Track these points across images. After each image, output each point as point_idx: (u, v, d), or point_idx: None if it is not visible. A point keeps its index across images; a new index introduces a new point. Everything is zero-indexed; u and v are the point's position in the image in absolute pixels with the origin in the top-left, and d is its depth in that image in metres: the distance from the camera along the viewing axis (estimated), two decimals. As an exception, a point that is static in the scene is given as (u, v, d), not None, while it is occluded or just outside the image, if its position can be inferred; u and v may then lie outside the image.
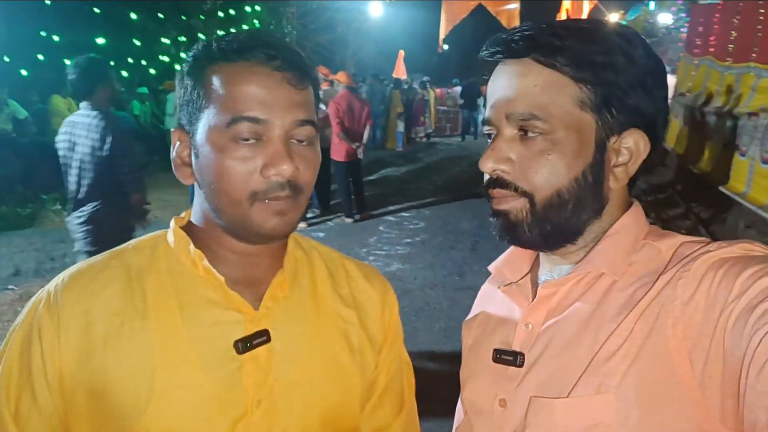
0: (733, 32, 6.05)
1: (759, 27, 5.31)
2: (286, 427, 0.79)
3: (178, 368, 0.75)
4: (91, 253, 2.49)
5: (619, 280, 0.71)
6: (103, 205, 3.29)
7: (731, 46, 6.05)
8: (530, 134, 0.71)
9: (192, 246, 0.80)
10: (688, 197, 6.79)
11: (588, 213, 0.73)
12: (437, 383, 3.40)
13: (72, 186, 3.34)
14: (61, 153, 3.36)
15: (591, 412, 0.66)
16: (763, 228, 4.82)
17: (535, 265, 0.84)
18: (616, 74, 0.69)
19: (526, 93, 0.70)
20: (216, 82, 0.75)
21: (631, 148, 0.72)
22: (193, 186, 0.83)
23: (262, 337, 0.79)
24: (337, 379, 0.85)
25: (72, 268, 0.81)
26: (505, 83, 0.73)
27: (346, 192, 7.02)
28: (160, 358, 0.75)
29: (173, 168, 0.82)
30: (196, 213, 0.84)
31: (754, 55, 5.41)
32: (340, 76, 7.15)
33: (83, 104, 3.29)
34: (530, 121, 0.70)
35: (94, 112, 3.23)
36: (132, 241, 0.85)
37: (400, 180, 9.97)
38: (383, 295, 0.95)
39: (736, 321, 0.58)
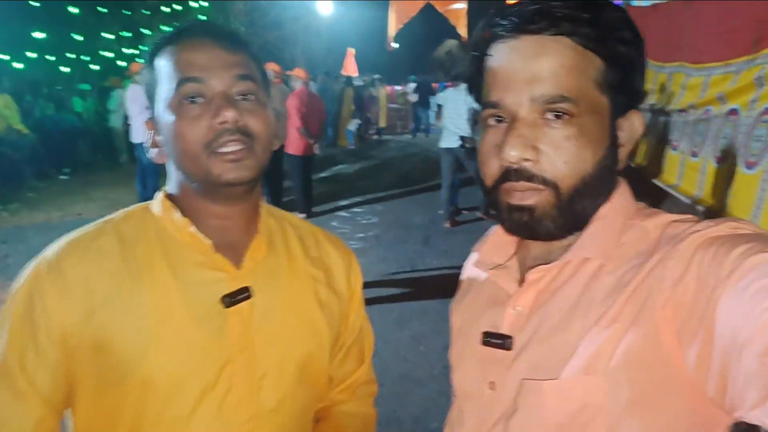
0: (664, 33, 6.39)
1: (687, 29, 5.64)
2: (266, 372, 0.89)
3: (172, 321, 0.84)
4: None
5: (608, 262, 0.69)
6: None
7: (663, 46, 6.39)
8: (557, 118, 0.66)
9: (178, 214, 0.88)
10: (626, 190, 7.14)
11: (603, 197, 0.72)
12: (392, 370, 3.51)
13: None
14: None
15: (580, 394, 0.65)
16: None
17: (520, 245, 0.82)
18: (630, 51, 0.67)
19: (553, 73, 0.66)
20: (164, 61, 0.85)
21: (628, 129, 0.71)
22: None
23: (244, 293, 0.88)
24: (309, 330, 0.96)
25: (67, 236, 0.88)
26: (526, 63, 0.67)
27: (301, 186, 7.04)
28: (156, 313, 0.84)
29: (152, 156, 0.91)
30: (171, 187, 0.93)
31: (683, 54, 5.73)
32: (299, 72, 7.15)
33: None
34: (560, 104, 0.66)
35: None
36: (120, 212, 0.93)
37: (352, 176, 10.04)
38: (348, 260, 1.06)
39: (728, 300, 0.56)
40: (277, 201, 7.36)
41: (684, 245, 0.64)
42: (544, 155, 0.67)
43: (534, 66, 0.67)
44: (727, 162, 4.12)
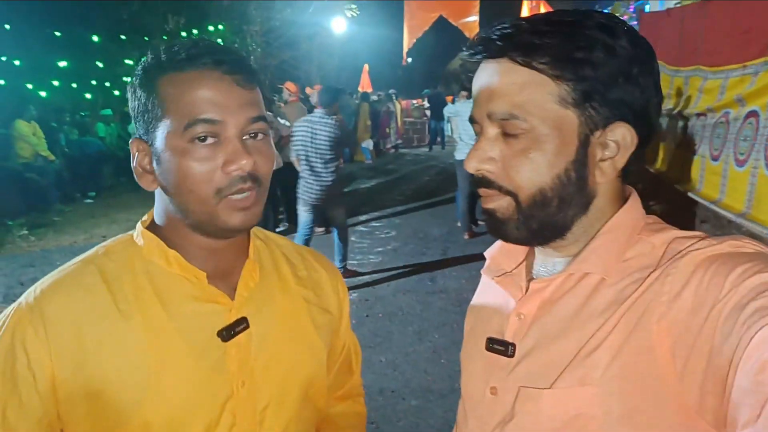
0: (679, 38, 6.34)
1: (702, 32, 5.60)
2: (269, 402, 0.87)
3: (169, 359, 0.80)
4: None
5: (609, 277, 0.71)
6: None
7: (679, 51, 6.34)
8: (511, 133, 0.70)
9: (166, 247, 0.84)
10: (647, 196, 7.06)
11: (574, 209, 0.72)
12: (412, 384, 3.49)
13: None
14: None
15: (575, 403, 0.67)
16: (716, 222, 5.05)
17: (530, 254, 0.84)
18: (596, 69, 0.67)
19: (505, 92, 0.69)
20: (169, 91, 0.78)
21: (618, 141, 0.70)
22: None
23: (242, 324, 0.85)
24: (308, 352, 0.95)
25: (46, 280, 0.82)
26: (485, 82, 0.72)
27: None
28: (152, 352, 0.80)
29: (136, 177, 0.84)
30: (159, 215, 0.88)
31: (699, 58, 5.68)
32: (318, 89, 7.26)
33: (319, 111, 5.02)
34: (510, 121, 0.69)
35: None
36: (99, 247, 0.88)
37: (370, 191, 10.08)
38: (335, 277, 1.06)
39: (725, 320, 0.57)
40: (296, 218, 7.42)
41: (684, 262, 0.65)
42: (501, 167, 0.72)
43: (490, 86, 0.71)
44: (748, 165, 4.06)
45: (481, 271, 0.93)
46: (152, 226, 0.89)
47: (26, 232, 7.18)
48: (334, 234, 5.41)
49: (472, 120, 0.76)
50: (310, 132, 4.98)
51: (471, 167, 0.73)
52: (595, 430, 0.66)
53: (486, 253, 0.89)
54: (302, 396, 0.92)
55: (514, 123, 0.69)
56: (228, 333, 0.84)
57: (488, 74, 0.72)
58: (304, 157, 5.02)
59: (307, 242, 5.16)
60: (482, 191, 0.75)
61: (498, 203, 0.73)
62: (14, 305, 0.80)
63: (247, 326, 0.86)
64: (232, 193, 0.79)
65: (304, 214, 5.19)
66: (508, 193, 0.72)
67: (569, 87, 0.68)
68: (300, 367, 0.93)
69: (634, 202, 0.76)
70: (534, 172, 0.70)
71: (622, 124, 0.70)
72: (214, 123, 0.77)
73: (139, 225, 0.89)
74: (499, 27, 0.71)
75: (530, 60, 0.68)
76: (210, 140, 0.78)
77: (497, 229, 0.75)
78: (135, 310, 0.81)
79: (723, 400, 0.57)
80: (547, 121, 0.69)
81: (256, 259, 0.93)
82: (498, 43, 0.70)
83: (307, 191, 5.10)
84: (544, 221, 0.72)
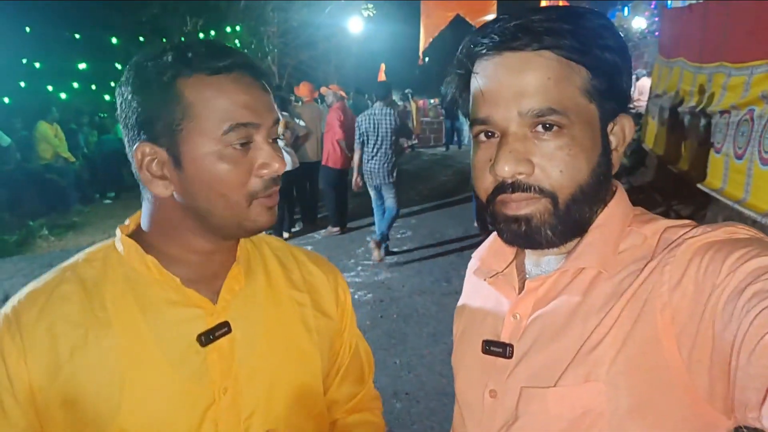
0: (702, 33, 6.21)
1: (726, 27, 5.47)
2: (254, 410, 0.84)
3: (146, 368, 0.79)
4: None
5: (606, 270, 0.70)
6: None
7: (701, 47, 6.21)
8: (547, 130, 0.67)
9: (143, 253, 0.82)
10: (668, 196, 6.92)
11: (599, 204, 0.72)
12: (428, 386, 3.45)
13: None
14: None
15: (581, 400, 0.66)
16: (740, 222, 4.94)
17: (519, 252, 0.83)
18: (614, 57, 0.68)
19: (540, 87, 0.66)
20: (199, 94, 0.75)
21: (619, 133, 0.72)
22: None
23: (223, 329, 0.83)
24: (298, 360, 0.91)
25: (25, 290, 0.82)
26: (512, 79, 0.67)
27: (336, 201, 7.05)
28: (128, 361, 0.78)
29: (144, 182, 0.80)
30: (147, 219, 0.85)
31: (723, 54, 5.56)
32: (335, 88, 7.27)
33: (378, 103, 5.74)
34: (549, 117, 0.66)
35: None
36: (80, 254, 0.87)
37: (386, 191, 10.04)
38: (334, 277, 1.02)
39: (725, 304, 0.58)
40: (311, 219, 7.43)
41: (681, 250, 0.64)
42: (539, 167, 0.68)
43: (520, 81, 0.67)
44: (773, 163, 3.94)
45: (472, 273, 0.91)
46: (136, 232, 0.87)
47: (46, 232, 7.29)
48: (387, 212, 5.89)
49: (481, 121, 0.70)
50: (373, 123, 5.70)
51: (507, 172, 0.67)
52: (604, 426, 0.65)
53: (474, 255, 0.88)
54: (292, 403, 0.89)
55: (553, 118, 0.66)
56: (207, 337, 0.82)
57: (512, 70, 0.67)
58: (369, 145, 5.74)
59: (382, 216, 5.90)
60: (515, 196, 0.69)
61: (534, 207, 0.69)
62: None
63: (229, 330, 0.84)
64: (265, 195, 0.80)
65: (373, 194, 5.98)
66: (548, 194, 0.68)
67: (593, 78, 0.68)
68: (289, 374, 0.89)
69: (622, 194, 0.76)
70: (575, 168, 0.67)
71: (624, 115, 0.72)
72: (252, 126, 0.78)
73: (118, 231, 0.87)
74: (511, 19, 0.67)
75: (561, 48, 0.66)
76: (245, 144, 0.78)
77: (530, 236, 0.70)
78: (113, 317, 0.80)
79: (729, 384, 0.57)
80: (579, 115, 0.68)
81: (243, 262, 0.90)
82: (522, 35, 0.66)
83: (370, 174, 5.81)
84: (577, 221, 0.70)
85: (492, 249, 0.84)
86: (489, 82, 0.69)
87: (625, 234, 0.72)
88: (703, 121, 5.93)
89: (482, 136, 0.72)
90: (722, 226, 0.65)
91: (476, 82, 0.71)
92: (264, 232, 0.96)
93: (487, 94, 0.69)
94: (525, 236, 0.70)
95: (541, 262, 0.77)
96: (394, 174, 5.88)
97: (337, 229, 7.08)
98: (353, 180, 6.14)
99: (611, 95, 0.69)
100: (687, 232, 0.66)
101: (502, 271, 0.82)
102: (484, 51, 0.69)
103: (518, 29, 0.66)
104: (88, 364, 0.77)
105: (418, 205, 8.46)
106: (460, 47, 0.74)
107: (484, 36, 0.69)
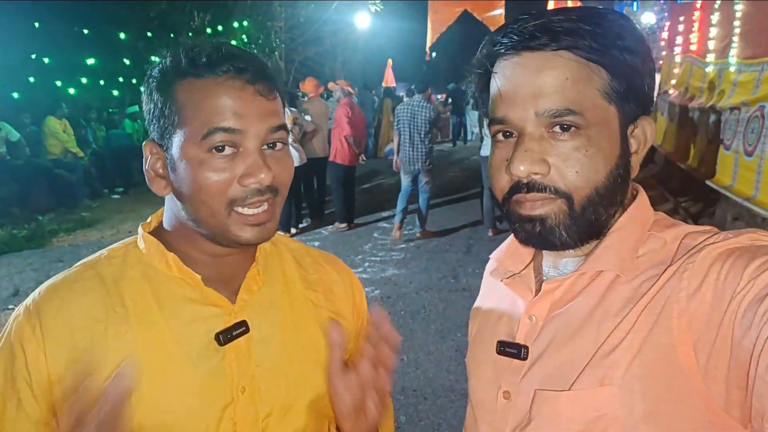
0: (712, 29, 6.16)
1: (736, 23, 5.42)
2: (271, 409, 0.84)
3: (164, 365, 0.79)
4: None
5: (624, 274, 0.69)
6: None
7: (711, 42, 6.16)
8: (562, 131, 0.67)
9: (164, 249, 0.83)
10: (677, 192, 6.88)
11: (616, 206, 0.72)
12: (435, 383, 3.46)
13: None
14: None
15: (596, 404, 0.65)
16: (749, 219, 4.90)
17: (537, 254, 0.82)
18: (634, 60, 0.67)
19: (558, 87, 0.66)
20: (188, 97, 0.76)
21: (639, 135, 0.71)
22: None
23: (240, 328, 0.83)
24: (314, 360, 0.90)
25: (47, 283, 0.83)
26: (529, 78, 0.67)
27: (343, 197, 7.07)
28: (146, 357, 0.78)
29: (147, 180, 0.83)
30: (168, 218, 0.87)
31: (733, 50, 5.51)
32: (342, 83, 7.28)
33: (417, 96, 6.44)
34: (566, 117, 0.66)
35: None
36: (102, 251, 0.87)
37: (393, 187, 10.02)
38: (349, 278, 1.02)
39: (744, 312, 0.57)
40: (318, 215, 7.44)
41: (701, 256, 0.63)
42: (554, 168, 0.67)
43: (538, 81, 0.67)
44: (784, 160, 3.91)
45: (489, 274, 0.91)
46: (158, 230, 0.88)
47: (55, 227, 7.34)
48: (422, 195, 6.51)
49: (499, 120, 0.70)
50: (410, 114, 6.32)
51: (522, 171, 0.67)
52: (617, 430, 0.64)
53: (492, 256, 0.87)
54: (309, 406, 0.89)
55: (570, 119, 0.66)
56: (225, 336, 0.82)
57: (531, 70, 0.67)
58: (406, 134, 6.32)
59: (405, 205, 6.51)
60: (530, 196, 0.69)
61: (549, 208, 0.68)
62: (19, 306, 0.82)
63: (247, 330, 0.84)
64: (245, 206, 0.77)
65: (404, 181, 6.54)
66: (563, 195, 0.68)
67: (612, 80, 0.67)
68: (305, 374, 0.89)
69: (642, 197, 0.75)
70: (591, 170, 0.67)
71: (646, 118, 0.71)
72: (233, 132, 0.75)
73: (140, 229, 0.88)
74: (531, 19, 0.67)
75: (580, 49, 0.66)
76: (228, 150, 0.76)
77: (545, 237, 0.70)
78: (131, 314, 0.80)
79: (746, 393, 0.56)
80: (597, 117, 0.67)
81: (261, 263, 0.91)
82: (541, 34, 0.66)
83: (407, 162, 6.39)
84: (593, 223, 0.70)
85: (509, 250, 0.84)
86: (507, 81, 0.69)
87: (644, 238, 0.71)
88: (712, 118, 5.89)
89: (500, 136, 0.72)
90: (744, 232, 0.64)
91: (495, 82, 0.71)
92: None
93: (505, 93, 0.69)
94: (539, 237, 0.70)
95: (558, 264, 0.77)
96: (430, 161, 6.49)
97: (344, 225, 7.09)
98: (393, 161, 6.70)
99: (632, 97, 0.68)
100: (708, 238, 0.66)
101: (519, 273, 0.81)
102: (503, 51, 0.69)
103: (537, 29, 0.66)
104: (106, 359, 0.77)
105: (425, 202, 8.46)
106: (480, 47, 0.73)
107: (503, 36, 0.69)
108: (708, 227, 0.69)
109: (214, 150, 0.75)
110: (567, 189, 0.67)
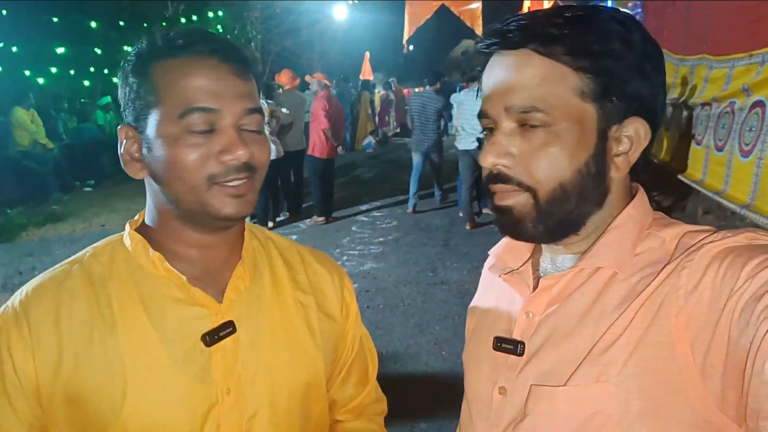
0: (685, 26, 6.27)
1: (708, 20, 5.52)
2: (257, 411, 0.84)
3: (150, 368, 0.78)
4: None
5: (621, 271, 0.70)
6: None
7: (684, 39, 6.27)
8: (531, 127, 0.69)
9: (150, 249, 0.82)
10: (650, 186, 7.02)
11: (590, 204, 0.72)
12: (414, 377, 3.47)
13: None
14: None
15: (592, 401, 0.66)
16: (720, 213, 5.01)
17: (536, 250, 0.83)
18: (615, 62, 0.67)
19: (525, 85, 0.68)
20: (163, 77, 0.76)
21: (631, 136, 0.70)
22: None
23: (227, 328, 0.82)
24: (301, 362, 0.90)
25: (33, 282, 0.82)
26: (503, 75, 0.70)
27: (322, 191, 7.03)
28: (132, 360, 0.78)
29: (123, 164, 0.82)
30: (150, 212, 0.86)
31: (705, 47, 5.61)
32: (319, 76, 7.21)
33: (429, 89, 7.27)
34: (531, 114, 0.68)
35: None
36: (89, 249, 0.86)
37: (371, 180, 10.03)
38: (339, 277, 1.01)
39: (742, 311, 0.57)
40: (296, 208, 7.39)
41: (699, 255, 0.64)
42: (520, 162, 0.70)
43: (508, 79, 0.70)
44: (753, 155, 4.01)
45: (487, 270, 0.92)
46: (143, 227, 0.87)
47: (25, 221, 7.16)
48: (434, 167, 7.51)
49: (482, 115, 0.74)
50: (422, 104, 7.18)
51: (487, 162, 0.71)
52: (614, 428, 0.65)
53: (491, 252, 0.88)
54: (295, 404, 0.88)
55: (536, 116, 0.68)
56: (212, 337, 0.81)
57: (505, 67, 0.70)
58: (418, 122, 7.19)
59: (418, 188, 7.36)
60: (498, 187, 0.72)
61: (515, 200, 0.71)
62: (3, 307, 0.80)
63: (234, 330, 0.83)
64: (225, 181, 0.77)
65: (416, 159, 7.34)
66: (527, 188, 0.70)
67: (590, 80, 0.68)
68: (292, 376, 0.88)
69: (642, 196, 0.76)
70: (555, 166, 0.68)
71: (637, 119, 0.70)
72: (210, 112, 0.76)
73: (127, 226, 0.87)
74: (514, 19, 0.70)
75: (552, 51, 0.67)
76: (205, 127, 0.76)
77: (513, 227, 0.73)
78: (117, 315, 0.80)
79: (743, 392, 0.56)
80: (567, 115, 0.68)
81: (249, 261, 0.89)
82: (517, 34, 0.69)
83: (418, 144, 7.33)
84: (562, 217, 0.71)
85: (508, 246, 0.84)
86: (487, 78, 0.73)
87: (643, 236, 0.72)
88: (684, 113, 6.00)
89: (487, 130, 0.75)
90: (742, 231, 0.64)
91: (482, 78, 0.75)
92: (248, 221, 0.97)
93: (485, 89, 0.73)
94: (510, 227, 0.74)
95: (556, 261, 0.78)
96: (439, 146, 7.42)
97: (322, 218, 7.05)
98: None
99: (618, 97, 0.68)
100: (706, 237, 0.66)
101: (518, 269, 0.82)
102: (485, 48, 0.73)
103: (516, 29, 0.69)
104: (91, 362, 0.77)
105: (404, 195, 8.45)
106: (475, 43, 0.77)
107: (486, 35, 0.73)
108: (707, 227, 0.69)
109: (190, 130, 0.76)
110: (530, 183, 0.70)
